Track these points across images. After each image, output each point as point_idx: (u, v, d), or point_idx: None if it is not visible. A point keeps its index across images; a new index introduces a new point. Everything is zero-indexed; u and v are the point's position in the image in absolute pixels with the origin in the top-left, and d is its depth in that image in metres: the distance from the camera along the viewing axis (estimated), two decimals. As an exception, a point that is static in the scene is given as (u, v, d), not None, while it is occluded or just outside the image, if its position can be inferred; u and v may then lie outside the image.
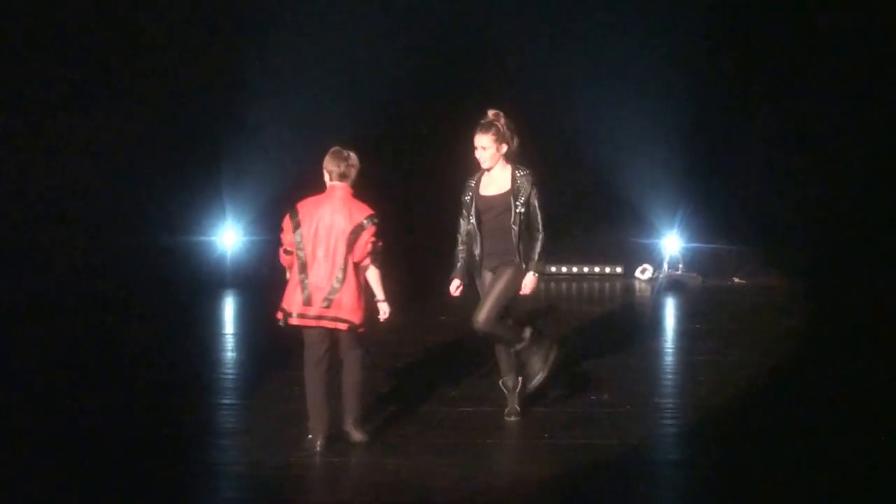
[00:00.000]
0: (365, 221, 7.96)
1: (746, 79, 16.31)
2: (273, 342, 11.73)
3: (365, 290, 7.99)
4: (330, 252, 7.90)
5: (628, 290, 16.31)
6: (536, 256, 8.58)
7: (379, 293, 8.08)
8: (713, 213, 16.21)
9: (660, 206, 16.55)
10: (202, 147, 16.10)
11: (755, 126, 16.30)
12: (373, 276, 8.05)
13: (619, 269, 17.00)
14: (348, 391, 8.05)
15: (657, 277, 16.38)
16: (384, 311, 8.11)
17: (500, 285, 8.48)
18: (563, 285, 16.41)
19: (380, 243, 7.99)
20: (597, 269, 17.07)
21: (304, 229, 7.97)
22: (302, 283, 7.92)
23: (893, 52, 15.46)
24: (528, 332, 8.57)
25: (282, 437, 8.31)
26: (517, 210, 8.56)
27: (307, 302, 7.89)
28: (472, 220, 8.64)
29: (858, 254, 15.44)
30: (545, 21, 16.54)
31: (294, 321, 7.92)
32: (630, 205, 16.55)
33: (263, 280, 15.80)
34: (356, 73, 15.98)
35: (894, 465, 7.77)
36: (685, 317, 14.30)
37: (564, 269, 17.07)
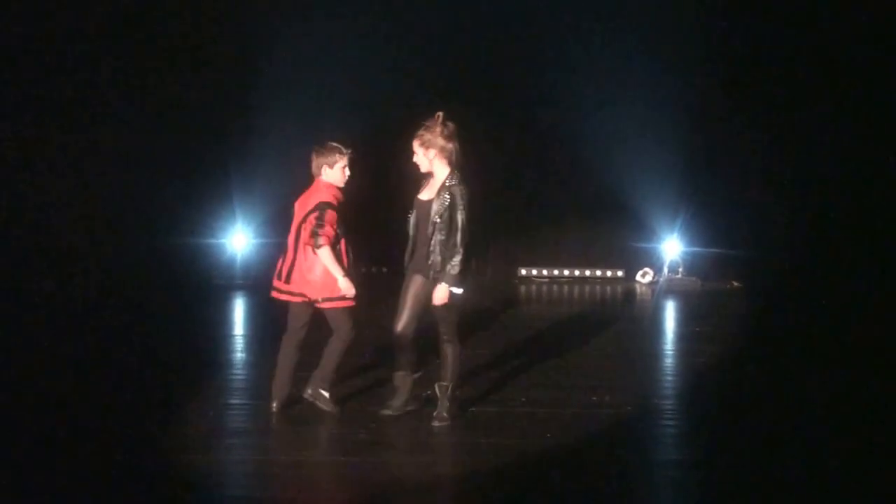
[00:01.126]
0: (316, 206, 8.74)
1: (746, 84, 16.26)
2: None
3: (318, 268, 8.74)
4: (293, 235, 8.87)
5: (629, 293, 16.39)
6: (449, 269, 8.52)
7: (334, 271, 8.66)
8: (713, 217, 16.25)
9: (660, 210, 16.60)
10: (212, 149, 16.13)
11: (754, 131, 16.31)
12: (322, 254, 8.69)
13: (620, 273, 17.13)
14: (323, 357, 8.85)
15: (658, 281, 16.53)
16: (342, 287, 8.70)
17: (410, 294, 8.68)
18: (566, 288, 16.46)
19: (323, 226, 8.64)
20: (598, 273, 17.18)
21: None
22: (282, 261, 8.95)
23: (892, 59, 15.52)
24: (414, 375, 8.82)
25: (290, 437, 8.40)
26: (433, 220, 8.55)
27: (278, 277, 8.95)
28: (410, 221, 8.75)
29: (857, 258, 15.50)
30: (548, 27, 16.54)
31: (272, 294, 8.98)
32: (631, 209, 16.58)
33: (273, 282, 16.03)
34: (367, 76, 15.95)
35: (893, 467, 7.83)
36: (685, 319, 14.36)
37: (567, 273, 17.17)
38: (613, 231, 16.75)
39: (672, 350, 12.35)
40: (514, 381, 10.11)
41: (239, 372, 10.90)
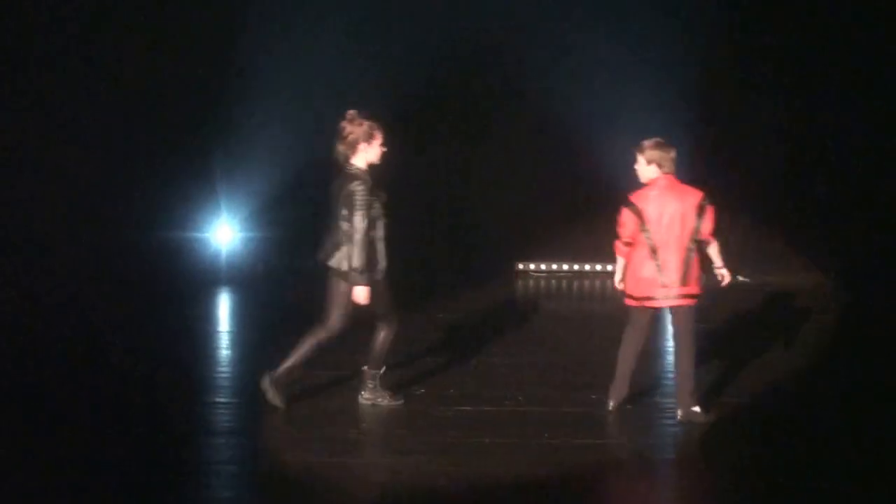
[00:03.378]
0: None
1: (747, 72, 16.25)
2: (268, 340, 11.75)
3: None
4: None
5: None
6: (348, 267, 8.50)
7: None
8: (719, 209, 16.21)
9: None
10: (196, 143, 15.99)
11: (754, 122, 16.23)
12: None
13: (610, 268, 16.98)
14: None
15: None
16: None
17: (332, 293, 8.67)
18: (563, 283, 16.39)
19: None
20: (597, 267, 17.04)
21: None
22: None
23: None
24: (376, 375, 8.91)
25: (276, 436, 8.31)
26: (338, 213, 8.52)
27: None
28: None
29: (865, 251, 15.47)
30: (541, 17, 16.46)
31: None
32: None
33: (258, 277, 15.97)
34: (351, 69, 15.89)
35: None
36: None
37: (565, 267, 17.08)
38: (611, 224, 16.59)
39: (671, 347, 12.14)
40: (511, 379, 10.05)
41: (224, 369, 10.83)
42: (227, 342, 12.33)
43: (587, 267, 17.10)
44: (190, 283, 15.33)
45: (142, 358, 10.81)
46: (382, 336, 8.87)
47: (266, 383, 8.73)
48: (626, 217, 8.74)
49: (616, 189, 15.66)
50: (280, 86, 15.79)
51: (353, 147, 8.57)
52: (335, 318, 8.69)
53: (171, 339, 11.89)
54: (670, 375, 10.56)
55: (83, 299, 13.97)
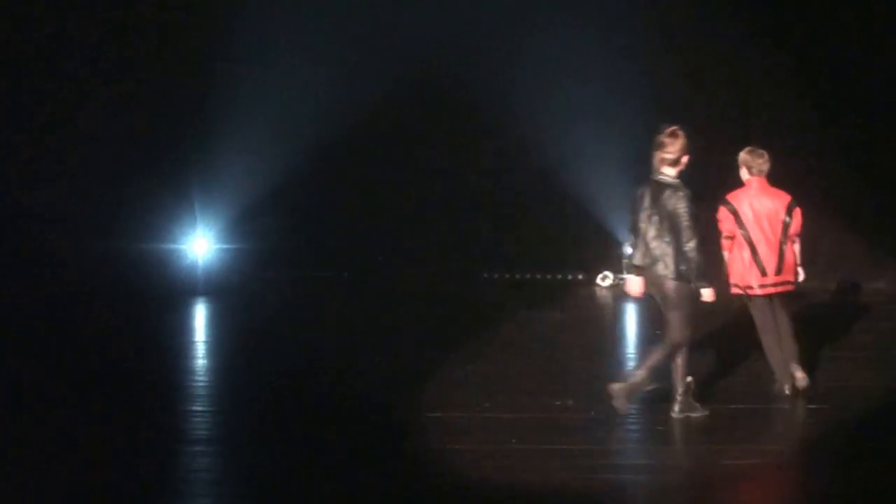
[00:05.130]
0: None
1: (702, 79, 16.31)
2: (244, 350, 11.97)
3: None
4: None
5: (589, 297, 16.45)
6: (677, 273, 8.93)
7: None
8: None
9: (622, 213, 16.58)
10: (172, 154, 15.93)
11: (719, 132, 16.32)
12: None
13: (580, 276, 17.19)
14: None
15: (618, 284, 16.58)
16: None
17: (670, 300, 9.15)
18: (527, 291, 16.44)
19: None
20: (559, 276, 17.21)
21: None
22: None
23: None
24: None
25: (254, 445, 8.40)
26: (660, 222, 9.05)
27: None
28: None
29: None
30: (500, 24, 16.28)
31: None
32: (592, 212, 16.61)
33: (234, 288, 15.95)
34: (329, 79, 15.89)
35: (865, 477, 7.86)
36: (646, 323, 14.41)
37: (528, 276, 17.19)
38: (574, 234, 16.77)
39: (634, 354, 12.40)
40: (478, 386, 10.13)
41: (200, 378, 10.89)
42: (203, 352, 12.38)
43: (548, 276, 17.24)
44: (166, 293, 15.23)
45: (117, 367, 10.81)
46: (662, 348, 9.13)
47: (614, 389, 8.98)
48: (723, 215, 9.67)
49: (588, 201, 15.87)
50: (257, 97, 15.74)
51: (677, 161, 8.92)
52: (681, 325, 8.94)
53: (147, 348, 11.87)
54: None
55: (58, 309, 14.00)
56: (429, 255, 16.68)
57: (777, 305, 9.74)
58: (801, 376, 9.62)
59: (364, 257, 16.67)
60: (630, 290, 9.27)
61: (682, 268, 8.79)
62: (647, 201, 8.91)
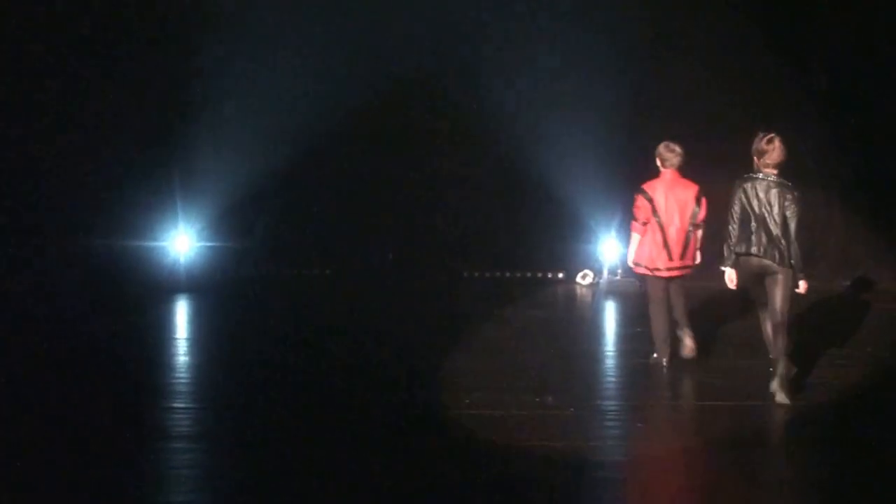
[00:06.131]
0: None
1: (676, 81, 16.40)
2: (226, 347, 12.00)
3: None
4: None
5: (570, 295, 16.53)
6: (797, 263, 9.45)
7: None
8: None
9: (599, 210, 16.66)
10: (155, 152, 15.99)
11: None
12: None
13: (560, 275, 17.27)
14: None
15: (597, 282, 16.68)
16: None
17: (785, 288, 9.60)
18: (508, 290, 16.50)
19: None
20: (539, 275, 17.30)
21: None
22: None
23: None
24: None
25: (236, 442, 8.43)
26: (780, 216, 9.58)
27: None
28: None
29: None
30: (476, 22, 16.43)
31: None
32: (572, 210, 16.68)
33: (216, 286, 15.97)
34: (312, 76, 15.91)
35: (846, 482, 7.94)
36: (626, 321, 14.48)
37: (508, 274, 17.26)
38: (554, 232, 16.84)
39: (614, 351, 12.48)
40: (458, 384, 10.16)
41: (182, 375, 10.89)
42: (185, 349, 12.37)
43: (528, 274, 17.30)
44: (148, 290, 15.26)
45: (98, 363, 10.84)
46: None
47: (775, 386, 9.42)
48: (640, 203, 10.65)
49: (564, 203, 15.91)
50: (239, 95, 15.78)
51: (782, 162, 9.44)
52: (786, 308, 9.44)
53: (129, 345, 11.89)
54: (611, 380, 10.98)
55: (40, 306, 14.02)
56: (410, 254, 16.72)
57: (674, 285, 10.74)
58: (690, 344, 10.76)
59: (346, 256, 16.73)
60: None
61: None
62: (764, 197, 9.48)
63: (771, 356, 9.46)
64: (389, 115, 16.42)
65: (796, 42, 16.08)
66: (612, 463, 8.11)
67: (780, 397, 9.32)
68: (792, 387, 9.41)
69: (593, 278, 16.79)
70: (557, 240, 16.91)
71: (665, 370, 10.59)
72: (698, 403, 9.76)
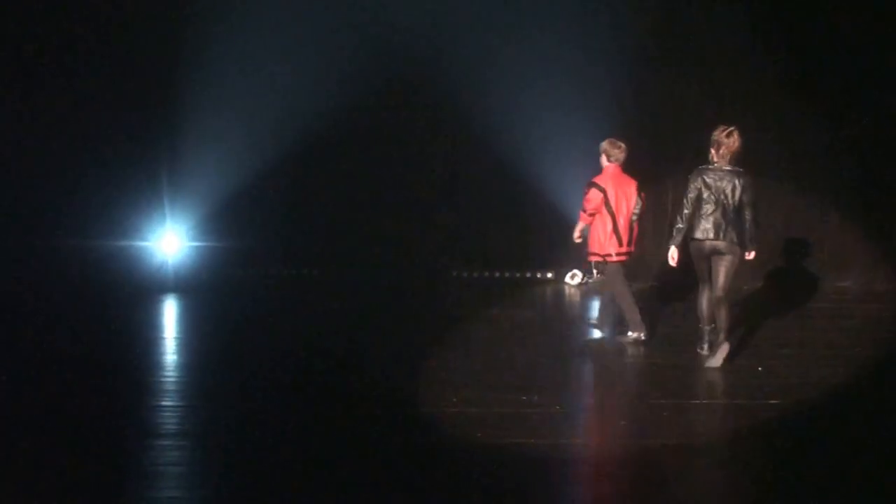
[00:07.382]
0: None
1: (674, 83, 16.46)
2: (215, 346, 12.01)
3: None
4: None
5: (558, 295, 16.55)
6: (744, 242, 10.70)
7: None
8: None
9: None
10: (142, 151, 15.90)
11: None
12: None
13: (549, 275, 17.29)
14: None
15: (586, 283, 16.70)
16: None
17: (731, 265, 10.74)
18: (496, 289, 16.51)
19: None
20: (528, 275, 17.31)
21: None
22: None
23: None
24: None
25: (224, 440, 8.45)
26: (738, 202, 10.74)
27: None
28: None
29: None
30: (466, 22, 16.36)
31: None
32: (561, 210, 16.68)
33: (204, 285, 15.97)
34: (301, 76, 15.86)
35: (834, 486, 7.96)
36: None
37: (497, 274, 17.27)
38: (543, 232, 16.84)
39: (600, 350, 12.48)
40: (446, 381, 10.19)
41: (170, 374, 10.91)
42: (174, 348, 12.37)
43: (517, 274, 17.32)
44: (135, 290, 15.22)
45: (87, 362, 10.84)
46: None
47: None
48: (593, 195, 11.51)
49: (557, 200, 15.94)
50: (227, 94, 15.71)
51: (738, 153, 10.50)
52: (727, 285, 10.52)
53: (117, 344, 11.90)
54: (597, 379, 11.00)
55: (28, 305, 14.00)
56: (398, 253, 16.72)
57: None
58: (632, 336, 11.68)
59: (334, 255, 16.72)
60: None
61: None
62: (724, 187, 10.56)
63: (700, 325, 10.76)
64: (377, 112, 16.41)
65: (796, 42, 16.11)
66: (598, 460, 8.14)
67: (712, 361, 10.43)
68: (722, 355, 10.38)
69: (582, 279, 16.81)
70: (546, 239, 16.90)
71: (642, 347, 11.50)
72: (684, 402, 9.77)
